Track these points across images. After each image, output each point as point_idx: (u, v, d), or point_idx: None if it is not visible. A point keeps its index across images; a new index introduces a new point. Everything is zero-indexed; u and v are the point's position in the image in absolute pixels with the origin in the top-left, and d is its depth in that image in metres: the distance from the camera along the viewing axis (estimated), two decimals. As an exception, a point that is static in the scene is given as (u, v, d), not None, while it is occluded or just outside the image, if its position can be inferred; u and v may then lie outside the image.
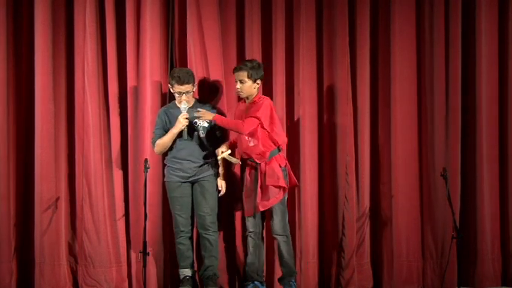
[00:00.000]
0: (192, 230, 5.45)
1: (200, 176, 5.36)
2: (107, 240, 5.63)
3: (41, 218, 5.61)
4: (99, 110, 5.65)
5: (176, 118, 5.28)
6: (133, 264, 5.66)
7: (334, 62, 5.74)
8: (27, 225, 5.70)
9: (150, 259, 5.50)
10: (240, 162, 5.38)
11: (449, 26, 5.80)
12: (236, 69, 5.31)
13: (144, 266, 5.15)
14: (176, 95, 5.34)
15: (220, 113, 5.52)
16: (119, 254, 5.65)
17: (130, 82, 5.63)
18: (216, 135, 5.44)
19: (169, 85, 5.39)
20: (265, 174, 5.23)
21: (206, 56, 5.64)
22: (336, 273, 5.74)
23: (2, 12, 5.58)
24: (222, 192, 5.43)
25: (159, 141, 5.34)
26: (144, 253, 5.11)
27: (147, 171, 5.18)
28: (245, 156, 5.32)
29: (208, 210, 5.35)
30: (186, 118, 5.24)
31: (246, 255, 5.48)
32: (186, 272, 5.42)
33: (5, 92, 5.60)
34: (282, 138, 5.35)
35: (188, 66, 5.58)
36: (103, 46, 5.65)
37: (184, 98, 5.30)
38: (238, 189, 5.54)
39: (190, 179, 5.37)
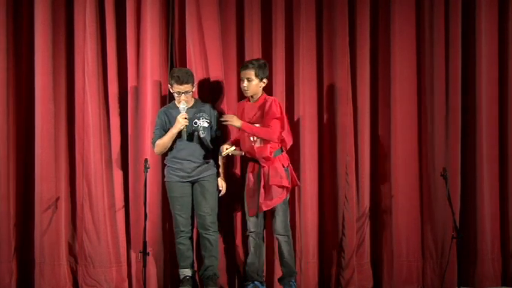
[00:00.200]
0: (192, 230, 5.45)
1: (200, 176, 5.36)
2: (107, 240, 5.63)
3: (41, 218, 5.61)
4: (99, 110, 5.65)
5: (175, 118, 5.28)
6: (133, 264, 5.66)
7: (334, 62, 5.74)
8: (27, 225, 5.70)
9: (150, 259, 5.50)
10: (243, 153, 5.34)
11: (449, 26, 5.80)
12: (243, 67, 5.30)
13: (144, 266, 5.15)
14: (175, 95, 5.34)
15: (221, 113, 5.53)
16: (119, 254, 5.65)
17: (131, 82, 5.63)
18: (216, 135, 5.44)
19: (168, 85, 5.39)
20: (268, 173, 5.23)
21: (206, 56, 5.64)
22: (336, 273, 5.74)
23: (2, 12, 5.58)
24: (222, 192, 5.43)
25: (158, 142, 5.35)
26: (144, 253, 5.11)
27: (147, 171, 5.18)
28: (248, 156, 5.32)
29: (209, 210, 5.36)
30: (185, 118, 5.24)
31: (246, 255, 5.48)
32: (186, 272, 5.42)
33: (5, 92, 5.61)
34: (290, 137, 5.37)
35: (188, 66, 5.58)
36: (103, 46, 5.65)
37: (184, 97, 5.30)
38: (239, 189, 5.54)
39: (190, 179, 5.37)
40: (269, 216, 5.39)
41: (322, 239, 5.79)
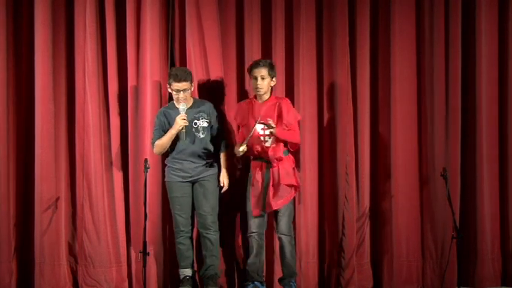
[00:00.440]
0: (192, 230, 5.45)
1: (201, 176, 5.37)
2: (107, 240, 5.63)
3: (41, 218, 5.61)
4: (99, 110, 5.65)
5: (174, 119, 5.28)
6: (133, 264, 5.66)
7: (334, 62, 5.74)
8: (27, 225, 5.70)
9: (150, 259, 5.50)
10: (246, 149, 5.32)
11: (449, 26, 5.79)
12: (256, 66, 5.29)
13: (144, 266, 5.15)
14: (174, 93, 5.33)
15: (221, 112, 5.53)
16: (119, 254, 5.65)
17: (131, 82, 5.63)
18: (216, 135, 5.44)
19: (167, 85, 5.38)
20: (279, 173, 5.23)
21: (206, 56, 5.64)
22: (336, 273, 5.73)
23: (2, 12, 5.58)
24: (224, 188, 5.42)
25: (157, 142, 5.34)
26: (144, 253, 5.11)
27: (147, 171, 5.18)
28: (255, 155, 5.29)
29: (209, 210, 5.36)
30: (184, 119, 5.23)
31: (246, 255, 5.47)
32: (186, 272, 5.42)
33: (5, 92, 5.61)
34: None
35: (188, 66, 5.58)
36: (103, 46, 5.65)
37: (182, 96, 5.29)
38: (239, 188, 5.54)
39: (190, 179, 5.37)
40: (271, 216, 5.39)
41: (322, 239, 5.79)
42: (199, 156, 5.37)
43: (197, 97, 5.57)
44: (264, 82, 5.29)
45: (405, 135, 5.78)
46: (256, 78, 5.28)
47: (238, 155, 5.30)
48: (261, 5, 5.73)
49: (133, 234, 5.63)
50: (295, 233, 5.56)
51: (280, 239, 5.37)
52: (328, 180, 5.77)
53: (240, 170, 5.61)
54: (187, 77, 5.30)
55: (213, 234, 5.38)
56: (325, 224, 5.79)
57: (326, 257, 5.78)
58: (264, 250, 5.50)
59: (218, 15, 5.67)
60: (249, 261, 5.40)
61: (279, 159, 5.26)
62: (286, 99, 5.41)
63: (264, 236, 5.44)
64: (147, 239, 5.15)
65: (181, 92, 5.29)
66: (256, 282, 5.42)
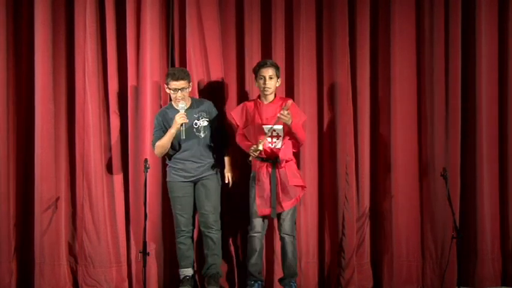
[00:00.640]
0: (192, 229, 5.46)
1: (202, 175, 5.37)
2: (107, 240, 5.63)
3: (41, 218, 5.61)
4: (99, 110, 5.65)
5: (172, 118, 5.28)
6: (133, 264, 5.66)
7: (334, 62, 5.74)
8: (27, 225, 5.70)
9: (150, 259, 5.50)
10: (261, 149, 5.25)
11: (449, 26, 5.79)
12: (264, 65, 5.29)
13: (144, 266, 5.15)
14: (172, 93, 5.32)
15: (221, 112, 5.53)
16: (119, 254, 5.65)
17: (131, 82, 5.63)
18: (217, 134, 5.44)
19: (165, 85, 5.38)
20: (286, 174, 5.24)
21: (206, 56, 5.65)
22: (336, 273, 5.74)
23: (2, 12, 5.58)
24: (231, 181, 5.43)
25: (158, 143, 5.34)
26: (144, 253, 5.11)
27: (147, 171, 5.18)
28: (262, 156, 5.28)
29: (211, 209, 5.36)
30: (183, 117, 5.23)
31: (247, 255, 5.45)
32: (186, 272, 5.43)
33: (5, 92, 5.61)
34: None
35: (188, 67, 5.58)
36: (103, 46, 5.65)
37: (180, 95, 5.29)
38: (239, 189, 5.54)
39: (192, 179, 5.38)
40: (275, 216, 5.39)
41: (322, 239, 5.79)
42: (201, 156, 5.37)
43: (197, 97, 5.57)
44: (272, 82, 5.29)
45: (405, 135, 5.78)
46: (263, 78, 5.28)
47: (251, 158, 5.23)
48: (261, 5, 5.73)
49: (133, 234, 5.64)
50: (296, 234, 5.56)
51: (283, 239, 5.37)
52: (328, 180, 5.77)
53: (239, 169, 5.60)
54: (184, 76, 5.30)
55: (215, 233, 5.38)
56: (325, 224, 5.79)
57: (326, 257, 5.78)
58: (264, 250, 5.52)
59: (218, 15, 5.67)
60: (252, 261, 5.39)
61: (288, 160, 5.27)
62: (291, 99, 5.40)
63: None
64: (147, 239, 5.15)
65: (179, 91, 5.29)
66: (258, 282, 5.42)
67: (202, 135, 5.38)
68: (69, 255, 5.72)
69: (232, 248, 5.70)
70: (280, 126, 5.22)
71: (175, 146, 5.36)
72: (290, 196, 5.27)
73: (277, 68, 5.34)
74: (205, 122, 5.39)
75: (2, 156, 5.60)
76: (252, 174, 5.36)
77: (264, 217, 5.33)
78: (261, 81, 5.29)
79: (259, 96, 5.40)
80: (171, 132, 5.28)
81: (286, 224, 5.33)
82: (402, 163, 5.77)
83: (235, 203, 5.61)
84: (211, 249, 5.39)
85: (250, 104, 5.40)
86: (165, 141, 5.31)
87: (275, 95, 5.39)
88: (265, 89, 5.29)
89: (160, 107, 5.57)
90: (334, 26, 5.73)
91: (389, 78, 5.78)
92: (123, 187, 5.68)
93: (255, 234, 5.35)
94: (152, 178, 5.51)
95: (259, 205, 5.28)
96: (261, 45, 5.73)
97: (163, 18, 5.69)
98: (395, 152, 5.78)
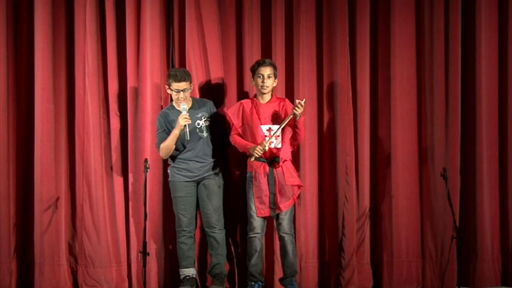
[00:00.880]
0: (194, 229, 5.46)
1: (205, 175, 5.37)
2: (107, 240, 5.63)
3: (41, 218, 5.61)
4: (99, 110, 5.65)
5: (174, 119, 5.28)
6: (133, 264, 5.66)
7: (334, 61, 5.74)
8: (27, 225, 5.70)
9: (151, 259, 5.50)
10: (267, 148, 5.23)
11: (449, 26, 5.79)
12: (263, 64, 5.30)
13: (144, 266, 5.15)
14: (174, 94, 5.33)
15: (222, 112, 5.53)
16: (119, 254, 5.65)
17: (130, 82, 5.63)
18: (218, 134, 5.44)
19: (166, 86, 5.38)
20: (283, 174, 5.24)
21: (206, 56, 5.65)
22: (336, 273, 5.73)
23: (2, 12, 5.58)
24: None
25: (162, 145, 5.33)
26: (144, 253, 5.12)
27: (147, 171, 5.18)
28: (262, 156, 5.27)
29: (214, 209, 5.37)
30: (186, 118, 5.23)
31: (247, 255, 5.45)
32: (187, 272, 5.42)
33: (5, 92, 5.61)
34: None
35: (188, 67, 5.59)
36: (103, 46, 5.65)
37: (182, 96, 5.30)
38: (238, 188, 5.54)
39: (195, 179, 5.38)
40: (270, 216, 5.39)
41: (322, 239, 5.79)
42: (204, 156, 5.37)
43: (198, 98, 5.58)
44: (270, 81, 5.30)
45: (405, 135, 5.78)
46: (262, 76, 5.28)
47: (254, 158, 5.21)
48: (261, 5, 5.73)
49: (133, 234, 5.63)
50: (295, 233, 5.56)
51: (282, 238, 5.37)
52: (328, 180, 5.77)
53: (238, 169, 5.60)
54: (186, 77, 5.30)
55: (218, 233, 5.39)
56: (325, 224, 5.79)
57: (326, 257, 5.78)
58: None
59: (218, 16, 5.67)
60: (253, 262, 5.39)
61: (286, 160, 5.27)
62: (287, 99, 5.41)
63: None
64: (147, 239, 5.15)
65: (181, 92, 5.29)
66: (259, 283, 5.42)
67: (205, 135, 5.38)
68: (69, 255, 5.72)
69: (232, 249, 5.70)
70: (277, 126, 5.22)
71: (179, 146, 5.37)
72: (287, 196, 5.27)
73: (275, 67, 5.36)
74: (208, 121, 5.40)
75: (2, 156, 5.60)
76: (248, 175, 5.36)
77: (264, 218, 5.33)
78: (259, 80, 5.30)
79: (255, 95, 5.40)
80: (175, 133, 5.28)
81: (285, 224, 5.33)
82: (402, 163, 5.77)
83: (234, 204, 5.61)
84: (214, 249, 5.40)
85: (247, 103, 5.39)
86: (169, 143, 5.31)
87: (272, 95, 5.39)
88: (264, 87, 5.29)
89: (161, 107, 5.57)
90: (334, 26, 5.73)
91: (389, 78, 5.78)
92: (123, 187, 5.67)
93: (255, 235, 5.35)
94: (152, 178, 5.51)
95: (258, 206, 5.28)
96: (261, 45, 5.72)
97: (163, 18, 5.69)
98: (395, 152, 5.77)
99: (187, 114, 5.24)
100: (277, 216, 5.33)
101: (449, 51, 5.79)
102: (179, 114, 5.25)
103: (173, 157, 5.42)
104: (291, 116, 5.16)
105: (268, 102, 5.35)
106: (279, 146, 5.27)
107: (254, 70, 5.35)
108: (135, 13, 5.62)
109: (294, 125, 5.22)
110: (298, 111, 5.10)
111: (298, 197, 5.49)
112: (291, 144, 5.34)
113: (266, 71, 5.29)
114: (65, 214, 5.70)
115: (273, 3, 5.72)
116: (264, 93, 5.33)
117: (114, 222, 5.65)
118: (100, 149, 5.64)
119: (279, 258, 5.53)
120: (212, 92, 5.65)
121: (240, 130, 5.34)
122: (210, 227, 5.39)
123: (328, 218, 5.78)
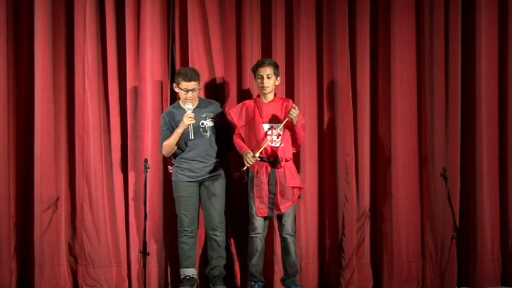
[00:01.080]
0: (196, 230, 5.45)
1: (208, 176, 5.37)
2: (107, 240, 5.63)
3: (41, 218, 5.61)
4: (99, 110, 5.65)
5: (180, 118, 5.28)
6: (133, 264, 5.66)
7: (334, 62, 5.74)
8: (27, 225, 5.70)
9: (151, 259, 5.50)
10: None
11: (449, 26, 5.79)
12: (262, 65, 5.31)
13: (144, 266, 5.15)
14: (182, 93, 5.32)
15: (225, 113, 5.53)
16: (119, 254, 5.65)
17: (130, 82, 5.63)
18: (223, 135, 5.43)
19: (174, 84, 5.38)
20: (285, 175, 5.24)
21: (206, 56, 5.64)
22: (336, 273, 5.73)
23: (2, 12, 5.58)
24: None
25: (165, 143, 5.34)
26: (144, 253, 5.12)
27: (147, 171, 5.18)
28: (262, 156, 5.25)
29: (217, 210, 5.37)
30: (191, 117, 5.23)
31: (248, 255, 5.45)
32: (187, 272, 5.42)
33: (5, 92, 5.61)
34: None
35: (190, 66, 5.58)
36: (103, 46, 5.65)
37: (190, 95, 5.30)
38: (238, 189, 5.53)
39: (198, 179, 5.38)
40: (274, 217, 5.38)
41: (322, 239, 5.79)
42: (207, 156, 5.37)
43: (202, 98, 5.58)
44: (270, 81, 5.30)
45: (405, 135, 5.78)
46: (261, 77, 5.29)
47: (250, 163, 5.17)
48: (261, 5, 5.73)
49: (133, 234, 5.63)
50: (295, 233, 5.56)
51: (285, 239, 5.37)
52: (328, 180, 5.77)
53: (239, 170, 5.61)
54: (196, 76, 5.31)
55: (219, 236, 5.39)
56: (325, 224, 5.79)
57: (326, 257, 5.78)
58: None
59: (219, 15, 5.67)
60: (253, 262, 5.39)
61: (288, 160, 5.27)
62: (291, 100, 5.41)
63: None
64: (147, 239, 5.15)
65: (190, 92, 5.30)
66: (259, 283, 5.42)
67: (209, 135, 5.38)
68: (69, 255, 5.72)
69: (233, 249, 5.70)
70: (279, 125, 5.23)
71: (182, 145, 5.37)
72: (288, 198, 5.28)
73: (276, 66, 5.35)
74: (212, 122, 5.39)
75: (2, 156, 5.60)
76: (250, 175, 5.36)
77: (264, 218, 5.34)
78: (259, 80, 5.31)
79: (258, 95, 5.41)
80: (178, 132, 5.28)
81: (288, 225, 5.34)
82: (402, 163, 5.77)
83: (236, 204, 5.60)
84: (216, 252, 5.41)
85: (249, 103, 5.39)
86: (172, 141, 5.31)
87: (275, 94, 5.39)
88: (264, 87, 5.30)
89: (161, 107, 5.57)
90: (334, 26, 5.73)
91: (389, 78, 5.78)
92: (123, 187, 5.67)
93: (256, 235, 5.35)
94: (153, 178, 5.51)
95: (259, 206, 5.28)
96: (261, 45, 5.73)
97: (164, 18, 5.68)
98: (395, 152, 5.77)
99: (193, 114, 5.24)
100: (281, 217, 5.34)
101: (449, 51, 5.79)
102: (183, 113, 5.25)
103: (176, 156, 5.42)
104: (287, 120, 5.16)
105: (271, 101, 5.35)
106: (277, 145, 5.26)
107: (254, 71, 5.36)
108: (135, 13, 5.62)
109: (292, 129, 5.22)
110: (293, 114, 5.11)
111: (298, 197, 5.49)
112: (293, 146, 5.34)
113: (265, 71, 5.29)
114: (65, 214, 5.70)
115: (273, 3, 5.72)
116: (266, 94, 5.33)
117: (114, 222, 5.65)
118: (100, 149, 5.64)
119: (279, 258, 5.54)
120: (215, 92, 5.66)
121: (241, 130, 5.34)
122: (212, 229, 5.39)
123: (328, 218, 5.78)
